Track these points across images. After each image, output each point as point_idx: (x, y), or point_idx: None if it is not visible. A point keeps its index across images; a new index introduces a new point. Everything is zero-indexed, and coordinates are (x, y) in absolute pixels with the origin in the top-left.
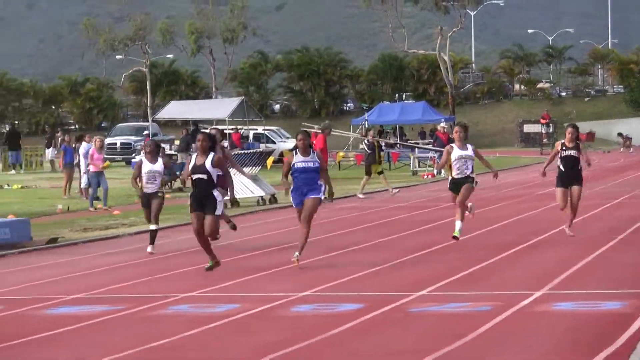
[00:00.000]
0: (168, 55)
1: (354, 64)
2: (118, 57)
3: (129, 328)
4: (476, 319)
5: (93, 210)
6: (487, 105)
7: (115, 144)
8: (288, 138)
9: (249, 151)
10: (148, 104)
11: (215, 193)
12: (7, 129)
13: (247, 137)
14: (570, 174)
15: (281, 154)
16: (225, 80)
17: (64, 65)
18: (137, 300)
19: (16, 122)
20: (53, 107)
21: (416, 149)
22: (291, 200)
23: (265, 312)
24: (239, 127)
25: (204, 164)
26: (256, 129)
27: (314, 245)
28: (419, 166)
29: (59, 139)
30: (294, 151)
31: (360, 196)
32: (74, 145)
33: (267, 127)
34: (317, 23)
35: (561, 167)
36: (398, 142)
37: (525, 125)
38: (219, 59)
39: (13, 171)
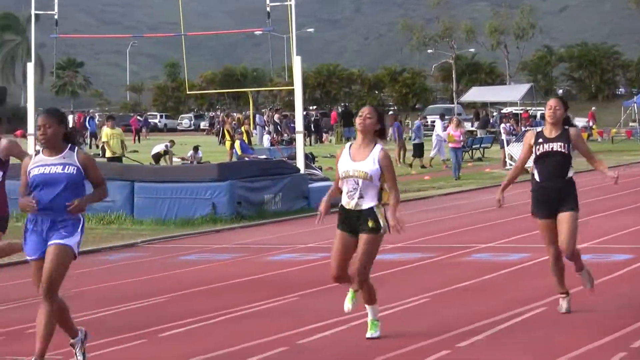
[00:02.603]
0: (470, 50)
1: (625, 55)
2: (429, 51)
3: (439, 272)
4: None
5: (457, 180)
6: None
7: (427, 122)
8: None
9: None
10: (454, 89)
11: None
12: (341, 109)
13: (535, 116)
14: (554, 190)
15: None
16: (517, 69)
17: (384, 58)
18: (445, 249)
19: (347, 104)
20: (376, 92)
21: None
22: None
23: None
24: (527, 108)
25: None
26: (542, 110)
27: (586, 206)
28: None
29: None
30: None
31: None
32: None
33: None
34: (594, 22)
35: (536, 176)
36: None
37: None
38: (512, 52)
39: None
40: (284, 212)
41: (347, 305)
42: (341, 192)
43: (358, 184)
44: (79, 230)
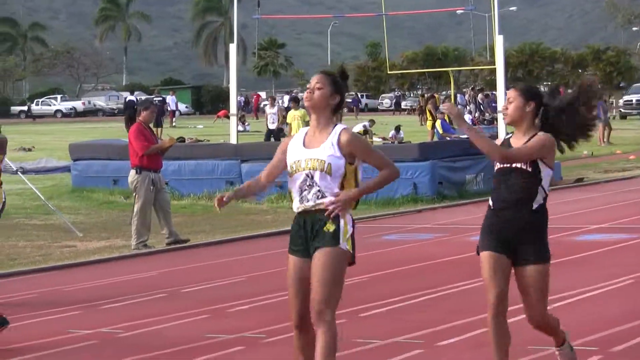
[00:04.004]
0: None
1: None
2: (634, 29)
3: None
4: None
5: None
6: None
7: (631, 100)
8: None
9: None
10: None
11: None
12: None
13: None
14: (511, 223)
15: None
16: None
17: (588, 36)
18: None
19: (550, 82)
20: (580, 71)
21: None
22: None
23: None
24: None
25: None
26: None
27: None
28: None
29: None
30: None
31: None
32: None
33: None
34: None
35: (490, 201)
36: None
37: None
38: None
39: None
40: (486, 192)
41: None
42: (264, 188)
43: (313, 178)
44: None
